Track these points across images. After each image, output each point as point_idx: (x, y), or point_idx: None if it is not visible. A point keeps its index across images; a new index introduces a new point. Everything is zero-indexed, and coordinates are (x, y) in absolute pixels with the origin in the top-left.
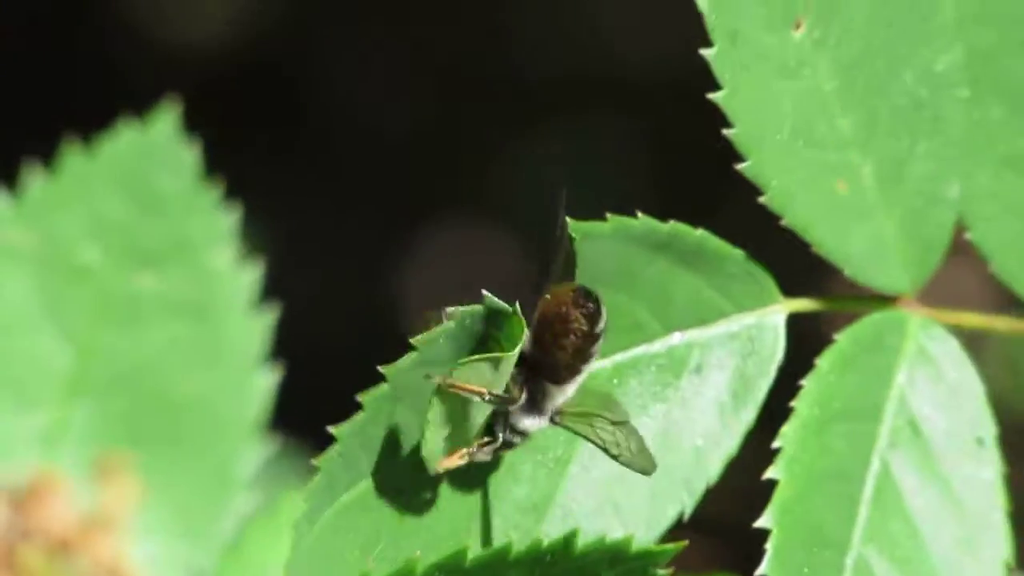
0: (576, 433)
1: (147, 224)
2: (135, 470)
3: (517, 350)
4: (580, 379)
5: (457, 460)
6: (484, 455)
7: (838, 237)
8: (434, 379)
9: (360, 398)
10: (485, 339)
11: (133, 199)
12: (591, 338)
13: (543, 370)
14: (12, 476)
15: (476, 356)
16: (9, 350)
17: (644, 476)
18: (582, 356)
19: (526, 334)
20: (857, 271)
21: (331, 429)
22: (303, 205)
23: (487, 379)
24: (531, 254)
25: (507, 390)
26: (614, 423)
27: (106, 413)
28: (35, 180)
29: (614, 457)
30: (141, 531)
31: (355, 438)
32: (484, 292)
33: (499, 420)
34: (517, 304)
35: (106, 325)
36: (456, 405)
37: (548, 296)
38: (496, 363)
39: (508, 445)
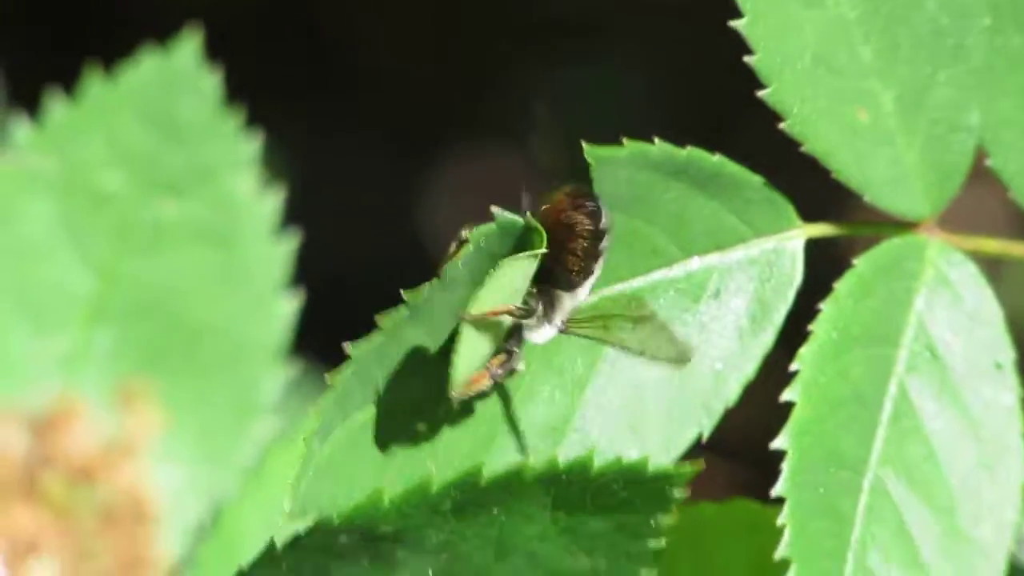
0: (590, 339)
1: (169, 151)
2: (157, 396)
3: (538, 258)
4: (590, 282)
5: (482, 383)
6: (503, 374)
7: (858, 164)
8: (464, 316)
9: (378, 319)
10: (503, 256)
11: (155, 126)
12: (598, 235)
13: (553, 279)
14: (33, 402)
15: (503, 262)
16: (31, 276)
17: (678, 366)
18: (592, 256)
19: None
20: (877, 197)
21: (347, 347)
22: (320, 138)
23: (508, 295)
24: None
25: (524, 303)
26: (636, 320)
27: (127, 339)
28: (57, 107)
29: (639, 354)
30: (162, 457)
31: (371, 358)
32: (494, 209)
33: (513, 336)
34: (528, 214)
35: (128, 251)
36: (480, 329)
37: (545, 205)
38: (517, 276)
39: (519, 360)
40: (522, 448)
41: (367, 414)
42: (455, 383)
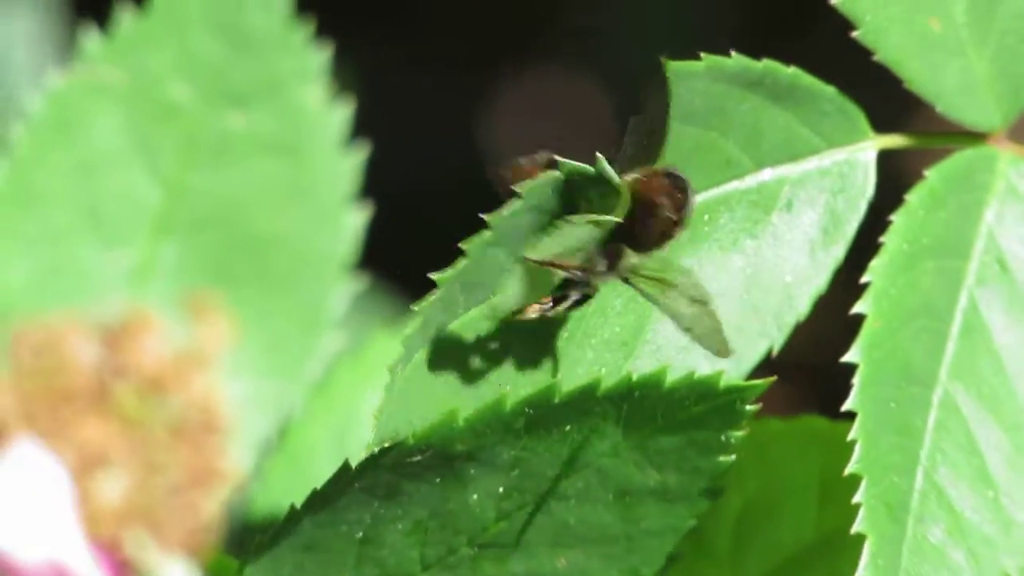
0: (647, 297)
1: (237, 62)
2: (226, 308)
3: (614, 222)
4: (660, 252)
5: (530, 314)
6: (552, 311)
7: (931, 73)
8: (523, 259)
9: (462, 245)
10: (584, 198)
11: (223, 37)
12: (677, 224)
13: (626, 237)
14: (103, 313)
15: (578, 218)
16: (99, 188)
17: (716, 355)
18: (666, 237)
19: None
20: (949, 107)
21: (432, 276)
22: (386, 53)
23: (578, 243)
24: (616, 102)
25: (588, 260)
26: (693, 300)
27: (195, 251)
28: (126, 18)
29: (686, 330)
30: (230, 370)
31: (455, 283)
32: (598, 155)
33: (570, 283)
34: (621, 178)
35: (195, 163)
36: (535, 274)
37: (640, 177)
38: (586, 234)
39: (580, 302)
40: (595, 363)
41: (446, 335)
42: (495, 313)
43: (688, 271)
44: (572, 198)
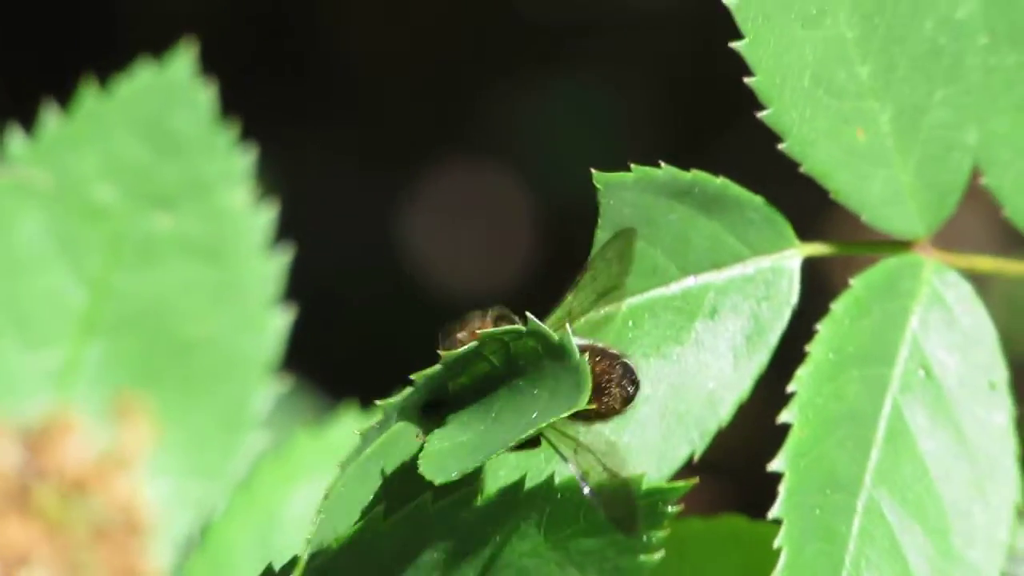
0: (557, 452)
1: (163, 164)
2: (150, 409)
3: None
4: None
5: None
6: None
7: (856, 183)
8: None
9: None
10: (533, 364)
11: (149, 139)
12: (616, 415)
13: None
14: (26, 415)
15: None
16: (23, 288)
17: (618, 528)
18: (598, 418)
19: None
20: (874, 217)
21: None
22: (306, 153)
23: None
24: (533, 197)
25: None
26: (605, 467)
27: (120, 352)
28: (51, 119)
29: (592, 493)
30: (153, 470)
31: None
32: (567, 330)
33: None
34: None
35: (121, 265)
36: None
37: (595, 358)
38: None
39: None
40: (517, 465)
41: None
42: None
43: (612, 444)
44: (516, 362)
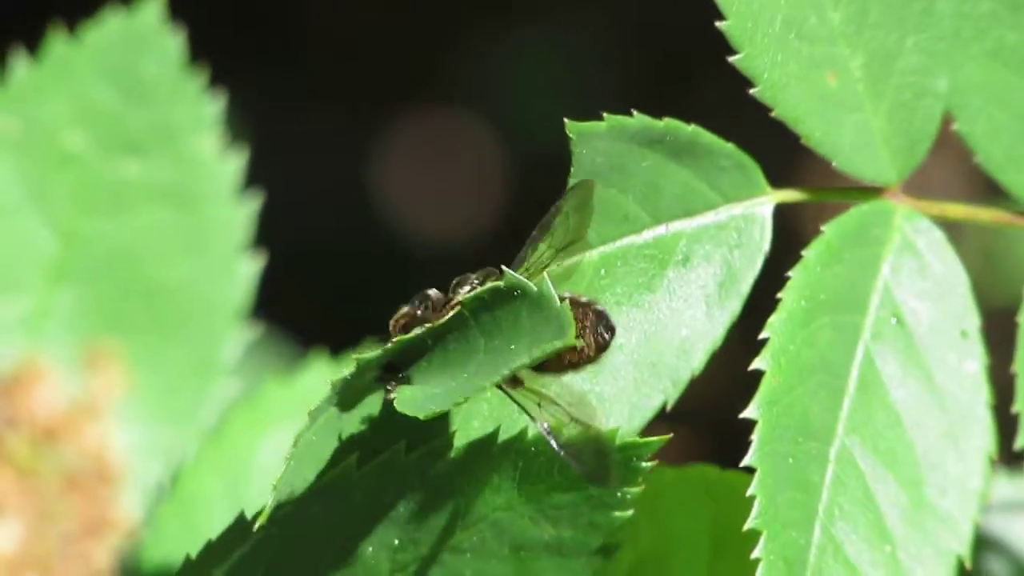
0: (521, 409)
1: (132, 111)
2: (120, 356)
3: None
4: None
5: None
6: None
7: (828, 129)
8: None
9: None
10: (512, 315)
11: (118, 86)
12: (590, 363)
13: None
14: None
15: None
16: None
17: (589, 479)
18: (570, 367)
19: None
20: (845, 163)
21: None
22: (276, 101)
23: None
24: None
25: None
26: (572, 417)
27: (89, 299)
28: (20, 67)
29: (560, 448)
30: (124, 417)
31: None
32: (511, 276)
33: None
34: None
35: (90, 212)
36: None
37: (571, 305)
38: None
39: None
40: (490, 416)
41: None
42: None
43: (582, 394)
44: (496, 317)
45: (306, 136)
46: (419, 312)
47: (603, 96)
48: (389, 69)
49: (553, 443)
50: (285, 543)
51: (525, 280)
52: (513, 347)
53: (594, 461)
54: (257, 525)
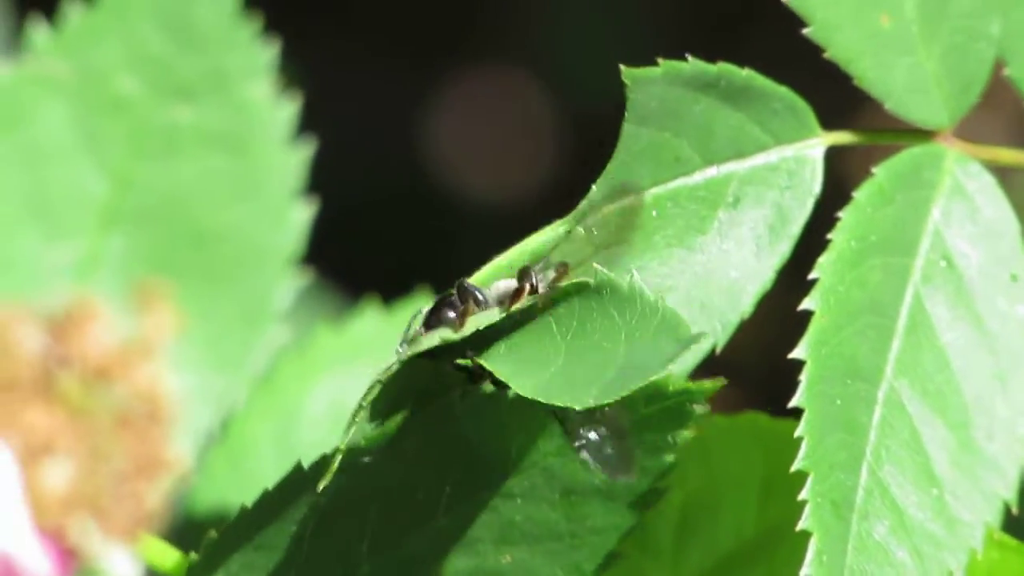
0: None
1: (185, 56)
2: (172, 299)
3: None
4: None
5: None
6: None
7: (880, 70)
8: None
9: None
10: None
11: (171, 31)
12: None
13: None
14: (49, 304)
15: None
16: (45, 180)
17: (611, 476)
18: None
19: None
20: (898, 105)
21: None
22: (329, 50)
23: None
24: (554, 98)
25: None
26: (597, 421)
27: (141, 244)
28: (74, 11)
29: (575, 448)
30: (174, 362)
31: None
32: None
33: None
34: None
35: (142, 156)
36: None
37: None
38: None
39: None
40: None
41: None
42: None
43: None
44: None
45: (359, 85)
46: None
47: (655, 48)
48: (443, 20)
49: (582, 453)
50: (338, 493)
51: (615, 277)
52: (608, 345)
53: (620, 465)
54: (322, 486)
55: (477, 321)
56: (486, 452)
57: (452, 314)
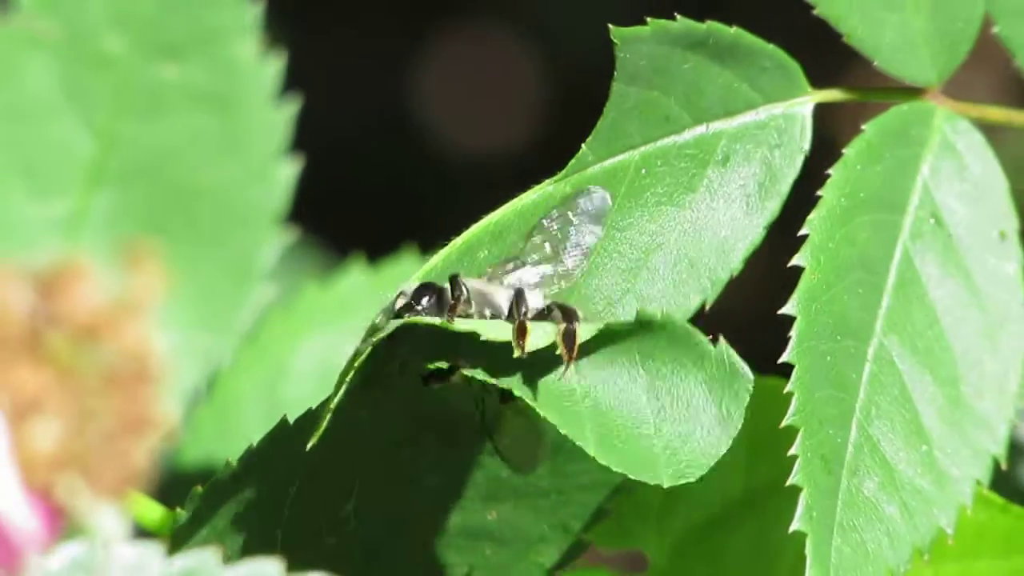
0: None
1: (171, 14)
2: (159, 257)
3: None
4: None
5: None
6: None
7: (870, 28)
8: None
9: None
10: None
11: None
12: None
13: None
14: (36, 262)
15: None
16: (31, 138)
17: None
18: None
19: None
20: (887, 62)
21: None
22: (318, 10)
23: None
24: (539, 59)
25: None
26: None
27: (127, 202)
28: None
29: (489, 439)
30: (161, 320)
31: None
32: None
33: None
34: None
35: (128, 114)
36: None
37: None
38: None
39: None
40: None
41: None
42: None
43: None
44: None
45: (347, 43)
46: (422, 306)
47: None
48: None
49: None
50: (324, 451)
51: (694, 330)
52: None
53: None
54: (310, 445)
55: (479, 327)
56: (470, 409)
57: (432, 303)
